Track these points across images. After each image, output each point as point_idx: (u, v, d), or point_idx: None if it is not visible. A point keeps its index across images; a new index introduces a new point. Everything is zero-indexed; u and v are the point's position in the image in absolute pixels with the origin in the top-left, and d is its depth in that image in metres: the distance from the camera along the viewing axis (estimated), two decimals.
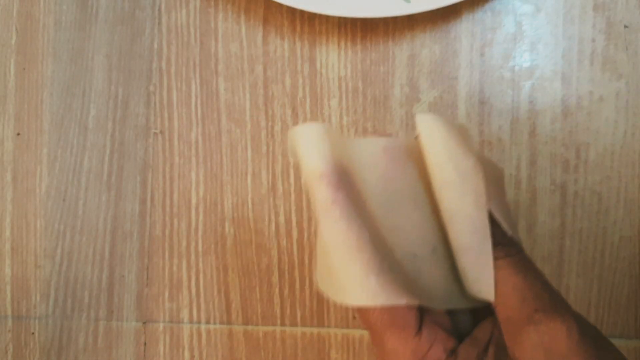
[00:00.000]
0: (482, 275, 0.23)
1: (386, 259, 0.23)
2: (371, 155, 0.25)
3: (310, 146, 0.23)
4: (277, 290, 0.37)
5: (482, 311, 0.26)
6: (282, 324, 0.37)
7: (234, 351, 0.38)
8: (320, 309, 0.37)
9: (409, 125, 0.36)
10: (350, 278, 0.22)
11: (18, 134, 0.38)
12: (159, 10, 0.38)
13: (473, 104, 0.36)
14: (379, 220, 0.24)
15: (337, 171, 0.23)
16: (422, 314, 0.24)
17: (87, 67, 0.38)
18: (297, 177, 0.37)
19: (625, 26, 0.35)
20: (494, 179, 0.26)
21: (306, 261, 0.37)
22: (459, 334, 0.25)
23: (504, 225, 0.24)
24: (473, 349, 0.24)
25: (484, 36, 0.36)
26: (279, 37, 0.37)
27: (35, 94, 0.38)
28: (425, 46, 0.36)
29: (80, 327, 0.38)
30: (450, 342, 0.24)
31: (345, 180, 0.23)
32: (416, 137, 0.26)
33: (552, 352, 0.21)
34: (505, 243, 0.24)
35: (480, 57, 0.36)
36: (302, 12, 0.37)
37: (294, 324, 0.37)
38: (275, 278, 0.37)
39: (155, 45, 0.38)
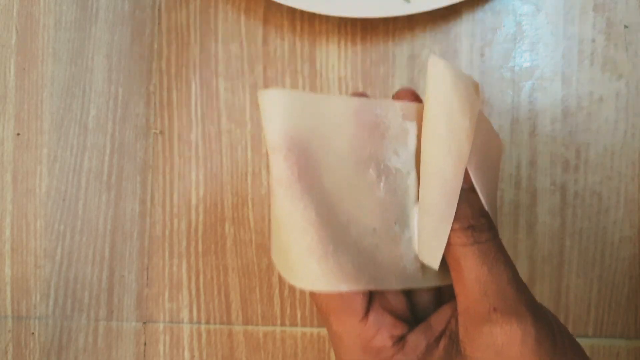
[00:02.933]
0: (433, 240, 0.22)
1: (336, 239, 0.22)
2: (341, 117, 0.23)
3: (269, 116, 0.22)
4: (277, 290, 0.37)
5: (447, 295, 0.25)
6: (282, 324, 0.37)
7: (234, 351, 0.38)
8: None
9: None
10: (293, 260, 0.22)
11: (18, 134, 0.38)
12: (159, 10, 0.38)
13: None
14: (341, 189, 0.23)
15: (292, 145, 0.21)
16: (372, 297, 0.23)
17: (87, 67, 0.38)
18: None
19: (625, 26, 0.35)
20: (488, 153, 0.25)
21: None
22: (418, 317, 0.24)
23: (484, 203, 0.23)
24: (423, 338, 0.23)
25: (484, 36, 0.36)
26: (279, 38, 0.37)
27: (35, 94, 0.38)
28: (426, 46, 0.36)
29: (80, 327, 0.38)
30: (399, 329, 0.23)
31: (300, 155, 0.22)
32: (396, 93, 0.25)
33: (503, 356, 0.21)
34: (477, 227, 0.22)
35: (481, 57, 0.36)
36: (302, 12, 0.37)
37: (294, 324, 0.37)
38: (275, 278, 0.37)
39: (155, 46, 0.38)
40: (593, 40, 0.36)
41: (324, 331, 0.37)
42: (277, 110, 0.22)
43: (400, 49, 0.36)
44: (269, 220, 0.37)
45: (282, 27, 0.37)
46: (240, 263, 0.37)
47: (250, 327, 0.37)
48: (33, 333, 0.38)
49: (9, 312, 0.38)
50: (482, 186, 0.23)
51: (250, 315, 0.37)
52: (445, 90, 0.23)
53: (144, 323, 0.38)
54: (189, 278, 0.38)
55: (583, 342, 0.36)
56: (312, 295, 0.23)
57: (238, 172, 0.37)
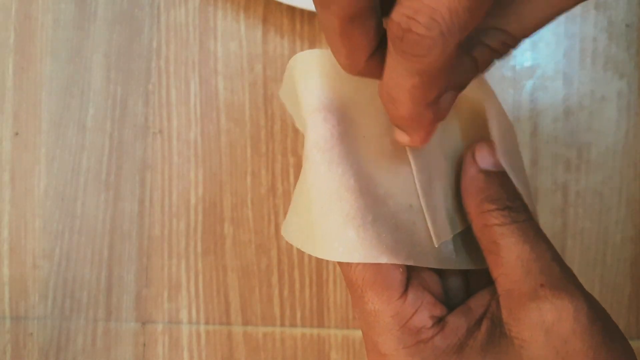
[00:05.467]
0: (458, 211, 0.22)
1: (374, 209, 0.21)
2: (375, 86, 0.21)
3: (306, 77, 0.20)
4: (276, 290, 0.37)
5: (477, 282, 0.24)
6: (282, 324, 0.37)
7: (233, 352, 0.37)
8: (320, 309, 0.37)
9: None
10: (327, 229, 0.20)
11: (16, 134, 0.38)
12: (158, 8, 0.37)
13: None
14: (378, 161, 0.21)
15: (331, 108, 0.20)
16: (410, 274, 0.22)
17: (85, 66, 0.38)
18: (297, 176, 0.37)
19: (627, 25, 0.35)
20: (510, 138, 0.24)
21: (306, 261, 0.37)
22: (450, 303, 0.23)
23: (518, 186, 0.22)
24: (464, 320, 0.22)
25: None
26: (279, 36, 0.37)
27: (33, 93, 0.38)
28: None
29: (78, 327, 0.38)
30: (438, 310, 0.22)
31: (340, 119, 0.20)
32: None
33: (553, 334, 0.19)
34: (514, 208, 0.21)
35: None
36: (302, 11, 0.37)
37: (293, 324, 0.37)
38: (275, 278, 0.37)
39: (154, 44, 0.37)
40: (595, 39, 0.35)
41: (324, 332, 0.37)
42: (314, 71, 0.20)
43: None
44: (269, 220, 0.37)
45: (281, 26, 0.37)
46: (239, 263, 0.37)
47: (249, 328, 0.37)
48: (31, 334, 0.38)
49: (7, 313, 0.38)
50: (513, 171, 0.23)
51: (249, 316, 0.37)
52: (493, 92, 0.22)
53: (143, 324, 0.38)
54: (188, 278, 0.37)
55: None
56: (346, 269, 0.21)
57: (237, 171, 0.37)
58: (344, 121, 0.21)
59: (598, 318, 0.20)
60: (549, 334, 0.19)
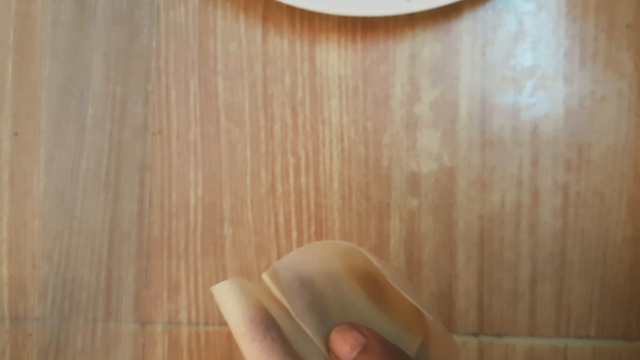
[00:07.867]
0: None
1: None
2: (269, 298, 0.25)
3: (228, 307, 0.24)
4: None
5: None
6: None
7: (233, 353, 0.37)
8: None
9: (410, 124, 0.36)
10: None
11: (15, 134, 0.38)
12: (158, 8, 0.37)
13: (474, 103, 0.36)
14: (307, 355, 0.25)
15: (254, 327, 0.24)
16: None
17: (85, 66, 0.38)
18: (297, 177, 0.37)
19: (627, 25, 0.35)
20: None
21: None
22: None
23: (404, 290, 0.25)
24: None
25: (485, 35, 0.36)
26: (279, 36, 0.37)
27: (32, 93, 0.38)
28: (426, 45, 0.36)
29: (78, 328, 0.38)
30: None
31: (265, 333, 0.24)
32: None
33: None
34: None
35: (482, 56, 0.36)
36: (302, 11, 0.36)
37: None
38: None
39: (154, 44, 0.37)
40: (595, 40, 0.35)
41: None
42: (233, 299, 0.24)
43: (401, 48, 0.36)
44: (268, 220, 0.37)
45: (281, 26, 0.37)
46: (239, 264, 0.37)
47: None
48: (30, 334, 0.38)
49: (6, 313, 0.38)
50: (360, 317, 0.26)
51: None
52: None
53: (143, 324, 0.38)
54: (188, 279, 0.37)
55: (585, 343, 0.35)
56: None
57: (237, 172, 0.37)
58: (269, 332, 0.24)
59: None
60: None
